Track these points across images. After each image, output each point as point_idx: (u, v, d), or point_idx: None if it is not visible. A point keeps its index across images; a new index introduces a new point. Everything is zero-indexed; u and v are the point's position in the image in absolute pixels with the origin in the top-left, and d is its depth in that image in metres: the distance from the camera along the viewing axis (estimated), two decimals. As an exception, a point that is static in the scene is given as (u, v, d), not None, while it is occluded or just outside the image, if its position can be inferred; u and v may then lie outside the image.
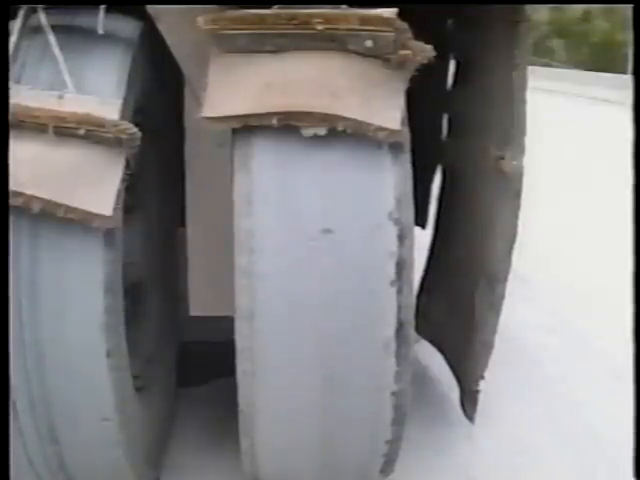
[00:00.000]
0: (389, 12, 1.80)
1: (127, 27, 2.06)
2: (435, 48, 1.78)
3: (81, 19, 2.01)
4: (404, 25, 1.77)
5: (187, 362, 3.02)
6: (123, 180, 1.87)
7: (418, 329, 2.73)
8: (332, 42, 1.80)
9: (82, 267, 1.89)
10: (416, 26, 1.78)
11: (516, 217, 2.39)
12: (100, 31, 1.98)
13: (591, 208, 6.93)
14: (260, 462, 2.07)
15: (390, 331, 1.89)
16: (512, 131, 2.30)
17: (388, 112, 1.81)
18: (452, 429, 2.94)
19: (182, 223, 2.59)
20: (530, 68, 2.32)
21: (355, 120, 1.79)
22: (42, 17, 1.94)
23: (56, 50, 1.92)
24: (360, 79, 1.80)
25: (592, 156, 9.84)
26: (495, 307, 2.51)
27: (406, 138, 1.89)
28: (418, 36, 1.79)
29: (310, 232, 1.83)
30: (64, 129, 1.81)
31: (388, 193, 1.86)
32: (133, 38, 2.06)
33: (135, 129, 1.85)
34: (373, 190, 1.87)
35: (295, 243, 1.83)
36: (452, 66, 3.00)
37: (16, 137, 1.75)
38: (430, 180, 3.29)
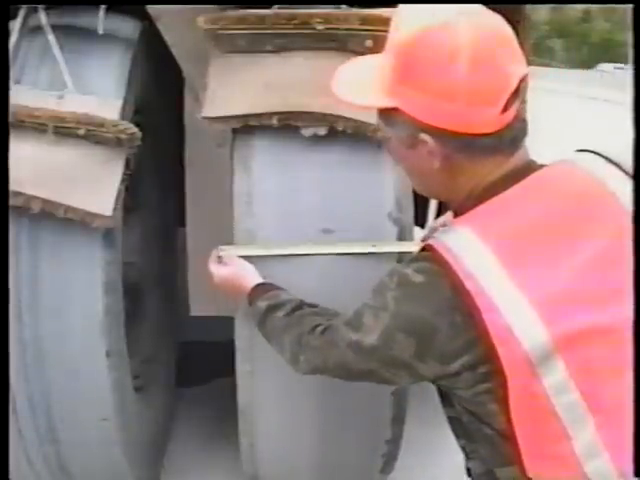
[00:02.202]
0: (389, 12, 1.79)
1: (127, 27, 2.06)
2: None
3: (81, 19, 2.01)
4: (404, 25, 1.76)
5: (187, 362, 3.02)
6: (123, 180, 1.87)
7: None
8: (332, 42, 1.80)
9: (82, 267, 1.89)
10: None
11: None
12: (100, 31, 1.98)
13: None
14: (260, 462, 2.07)
15: (390, 331, 1.88)
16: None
17: (388, 112, 1.81)
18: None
19: (182, 223, 2.59)
20: (529, 68, 2.31)
21: (355, 120, 1.79)
22: (42, 17, 1.94)
23: (56, 50, 1.92)
24: (360, 79, 1.79)
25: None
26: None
27: (406, 138, 1.89)
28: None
29: (310, 232, 1.83)
30: (64, 129, 1.80)
31: (388, 193, 1.86)
32: (133, 38, 2.05)
33: (135, 129, 1.85)
34: (373, 190, 1.86)
35: (295, 243, 1.83)
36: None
37: (16, 137, 1.75)
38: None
